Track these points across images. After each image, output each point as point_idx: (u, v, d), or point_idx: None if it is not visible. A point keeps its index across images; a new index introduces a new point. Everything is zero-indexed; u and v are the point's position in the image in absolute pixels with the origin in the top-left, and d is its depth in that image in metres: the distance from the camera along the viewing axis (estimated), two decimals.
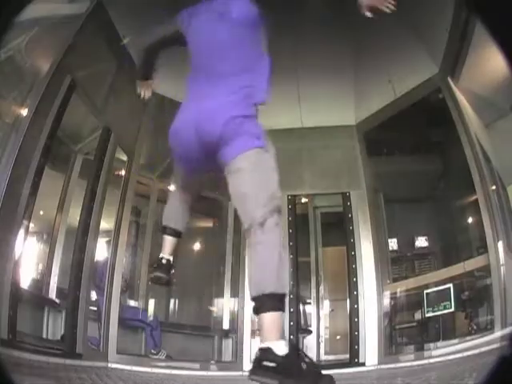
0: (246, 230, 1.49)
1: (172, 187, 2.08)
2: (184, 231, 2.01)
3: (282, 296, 1.38)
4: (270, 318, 1.35)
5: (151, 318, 4.93)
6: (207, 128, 1.57)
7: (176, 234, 1.99)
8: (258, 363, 1.31)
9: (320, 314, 5.93)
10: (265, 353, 1.31)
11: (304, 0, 2.46)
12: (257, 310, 1.38)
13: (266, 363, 1.29)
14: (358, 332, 4.71)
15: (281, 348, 1.30)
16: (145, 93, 2.19)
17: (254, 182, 1.51)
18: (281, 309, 1.37)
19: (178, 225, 1.99)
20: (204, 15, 1.83)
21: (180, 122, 1.70)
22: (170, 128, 1.71)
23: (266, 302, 1.35)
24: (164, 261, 1.99)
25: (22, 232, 2.98)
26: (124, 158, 4.77)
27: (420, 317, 4.66)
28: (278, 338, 1.33)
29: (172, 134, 1.71)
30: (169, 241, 1.99)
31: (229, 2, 1.80)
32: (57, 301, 4.13)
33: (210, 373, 4.67)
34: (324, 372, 1.36)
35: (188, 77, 1.80)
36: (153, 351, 4.73)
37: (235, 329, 5.17)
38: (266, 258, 1.40)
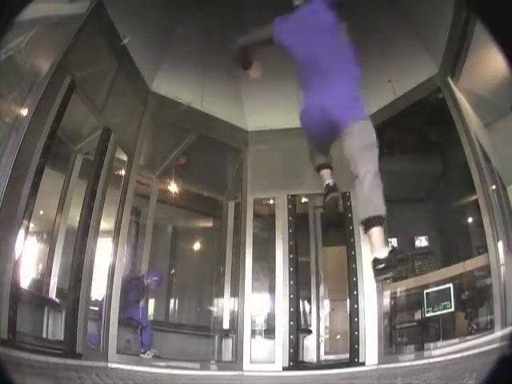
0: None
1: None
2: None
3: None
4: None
5: (142, 317, 4.91)
6: (332, 107, 2.21)
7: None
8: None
9: (320, 313, 5.93)
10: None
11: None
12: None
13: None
14: (358, 332, 4.70)
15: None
16: (257, 73, 2.72)
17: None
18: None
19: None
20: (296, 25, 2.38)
21: (308, 107, 2.33)
22: (300, 113, 2.37)
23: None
24: (332, 184, 2.52)
25: (22, 232, 2.98)
26: (124, 158, 4.77)
27: (420, 317, 4.66)
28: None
29: (302, 116, 2.37)
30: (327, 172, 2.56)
31: (316, 11, 2.40)
32: (57, 301, 4.13)
33: (209, 373, 4.67)
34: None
35: (298, 74, 2.42)
36: (141, 350, 4.72)
37: (235, 329, 5.16)
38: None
